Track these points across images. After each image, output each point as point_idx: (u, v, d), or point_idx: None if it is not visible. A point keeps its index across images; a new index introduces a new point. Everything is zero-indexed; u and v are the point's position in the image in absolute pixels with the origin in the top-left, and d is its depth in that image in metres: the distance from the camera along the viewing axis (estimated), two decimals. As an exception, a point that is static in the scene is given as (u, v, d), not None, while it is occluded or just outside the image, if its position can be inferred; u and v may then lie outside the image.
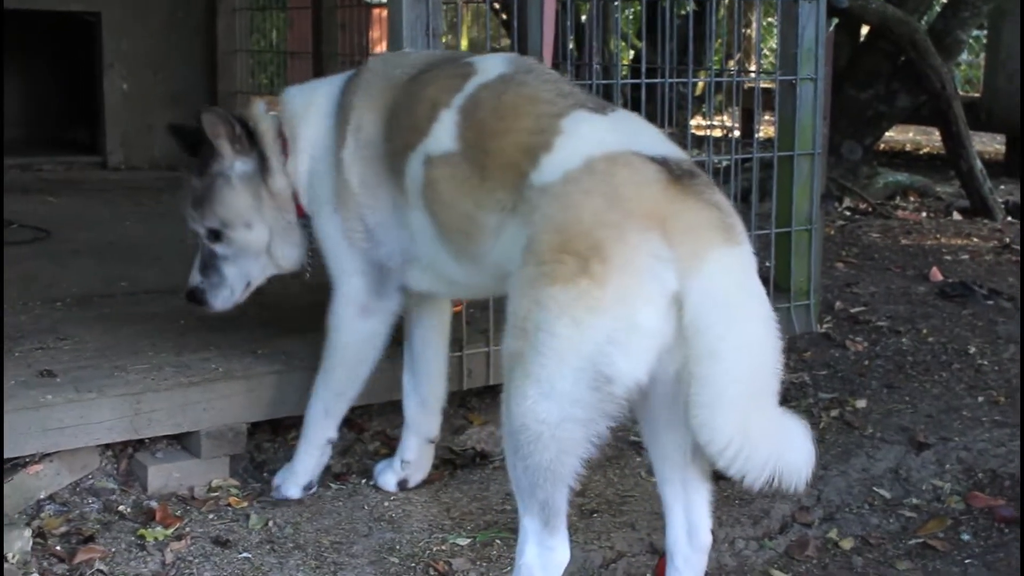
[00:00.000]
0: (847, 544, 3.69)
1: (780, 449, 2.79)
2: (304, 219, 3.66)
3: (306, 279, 3.79)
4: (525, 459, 2.89)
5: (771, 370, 2.85)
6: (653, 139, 3.08)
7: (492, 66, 3.32)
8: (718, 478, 3.14)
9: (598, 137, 3.01)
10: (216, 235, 3.62)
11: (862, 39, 9.52)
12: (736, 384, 2.77)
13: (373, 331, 3.59)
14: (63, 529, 3.47)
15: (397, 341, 3.77)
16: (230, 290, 3.69)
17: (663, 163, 2.91)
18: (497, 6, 9.51)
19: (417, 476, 3.88)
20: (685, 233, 2.80)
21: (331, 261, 3.61)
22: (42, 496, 3.61)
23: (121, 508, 3.63)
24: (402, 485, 3.85)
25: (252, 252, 3.66)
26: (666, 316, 2.78)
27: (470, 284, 3.48)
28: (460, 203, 3.20)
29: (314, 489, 3.78)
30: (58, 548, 3.34)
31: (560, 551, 2.97)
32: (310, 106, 3.63)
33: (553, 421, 2.83)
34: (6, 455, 3.53)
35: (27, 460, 3.58)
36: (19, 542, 3.21)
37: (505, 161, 3.08)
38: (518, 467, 2.91)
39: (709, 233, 2.82)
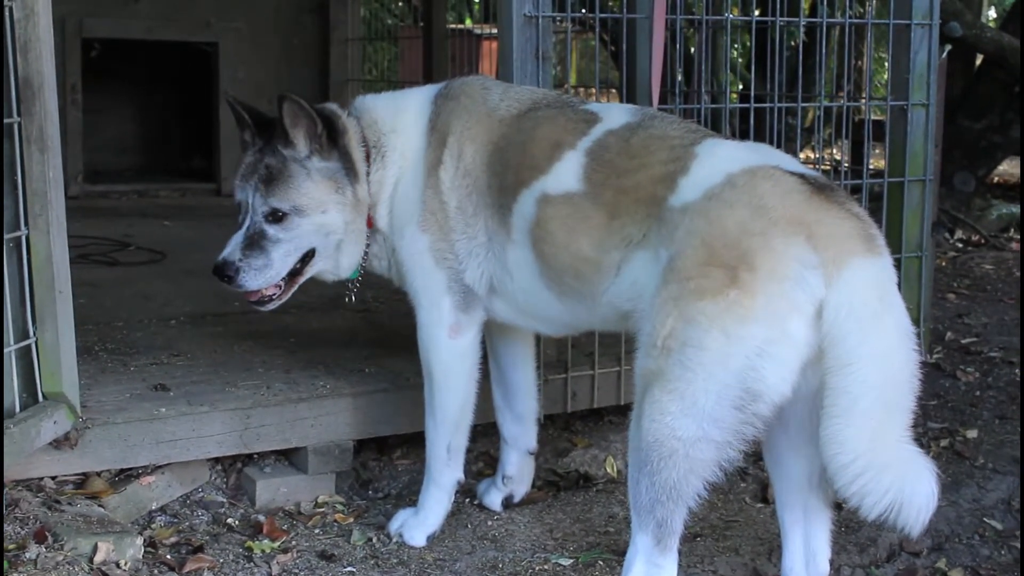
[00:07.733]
0: (956, 575, 3.62)
1: (905, 481, 2.73)
2: (369, 231, 3.55)
3: (347, 302, 3.76)
4: (651, 475, 2.88)
5: (907, 385, 2.80)
6: (787, 159, 3.10)
7: (617, 115, 3.31)
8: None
9: (735, 155, 3.03)
10: (279, 217, 3.41)
11: (976, 69, 9.38)
12: (869, 395, 2.72)
13: (468, 346, 3.54)
14: (173, 539, 3.54)
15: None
16: (275, 272, 3.43)
17: (802, 177, 2.92)
18: (606, 37, 9.52)
19: (520, 490, 3.89)
20: (829, 240, 2.79)
21: (416, 281, 3.51)
22: (154, 507, 3.70)
23: (229, 521, 3.70)
24: (507, 502, 3.86)
25: (322, 236, 3.45)
26: (814, 325, 2.77)
27: (562, 321, 3.44)
28: (575, 243, 3.19)
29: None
30: (168, 557, 3.41)
31: (668, 570, 2.96)
32: (399, 117, 3.54)
33: (689, 439, 2.83)
34: (121, 466, 3.64)
35: (140, 471, 3.68)
36: (131, 550, 3.27)
37: (639, 195, 3.08)
38: (642, 483, 2.90)
39: (851, 242, 2.81)
